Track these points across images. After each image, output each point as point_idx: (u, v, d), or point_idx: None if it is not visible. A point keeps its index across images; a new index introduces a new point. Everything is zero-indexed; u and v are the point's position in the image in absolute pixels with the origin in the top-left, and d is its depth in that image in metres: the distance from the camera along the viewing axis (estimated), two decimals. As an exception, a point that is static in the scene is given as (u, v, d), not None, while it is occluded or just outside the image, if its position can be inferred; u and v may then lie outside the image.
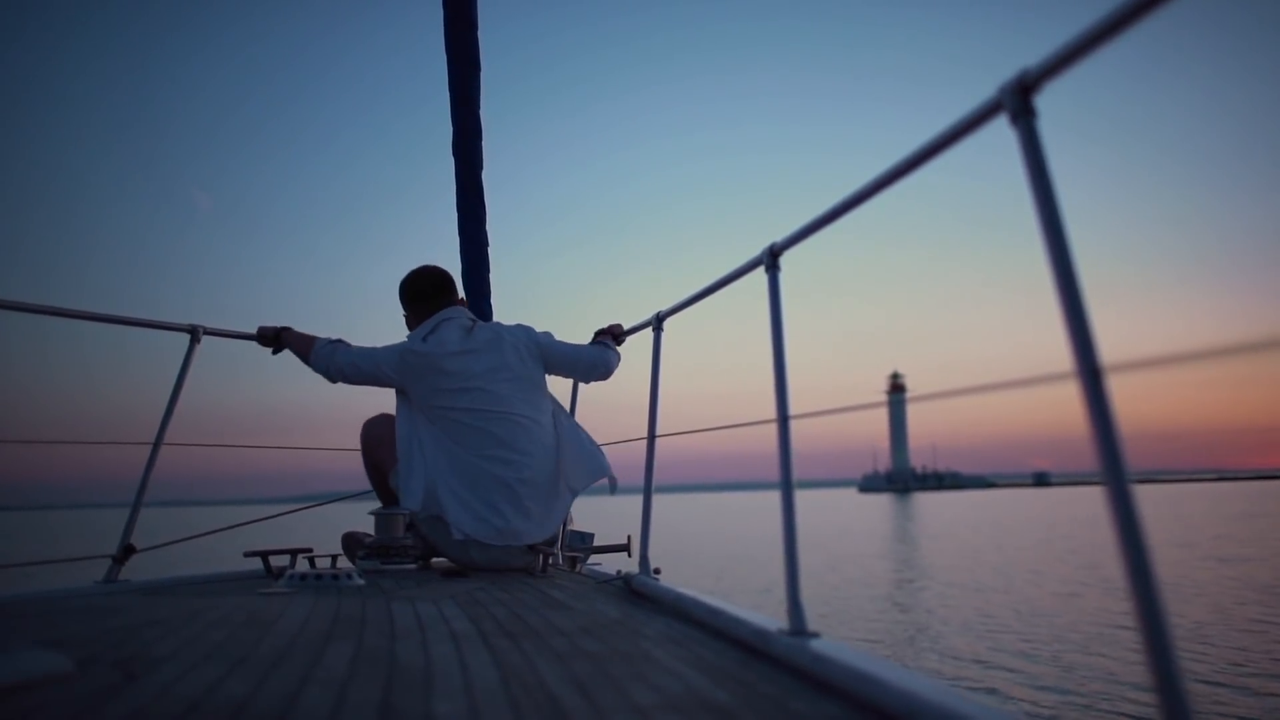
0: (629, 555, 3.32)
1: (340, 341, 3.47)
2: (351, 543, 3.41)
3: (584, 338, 3.61)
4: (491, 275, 4.07)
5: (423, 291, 3.52)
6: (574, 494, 3.41)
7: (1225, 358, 1.00)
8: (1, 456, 3.16)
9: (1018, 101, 1.12)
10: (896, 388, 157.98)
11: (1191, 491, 78.26)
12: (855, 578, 15.30)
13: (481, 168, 3.89)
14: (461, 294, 3.69)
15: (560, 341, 3.51)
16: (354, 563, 3.32)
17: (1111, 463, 0.97)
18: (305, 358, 3.46)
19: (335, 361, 3.40)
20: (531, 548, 3.19)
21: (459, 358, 3.31)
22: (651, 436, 2.80)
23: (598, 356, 3.55)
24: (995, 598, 12.35)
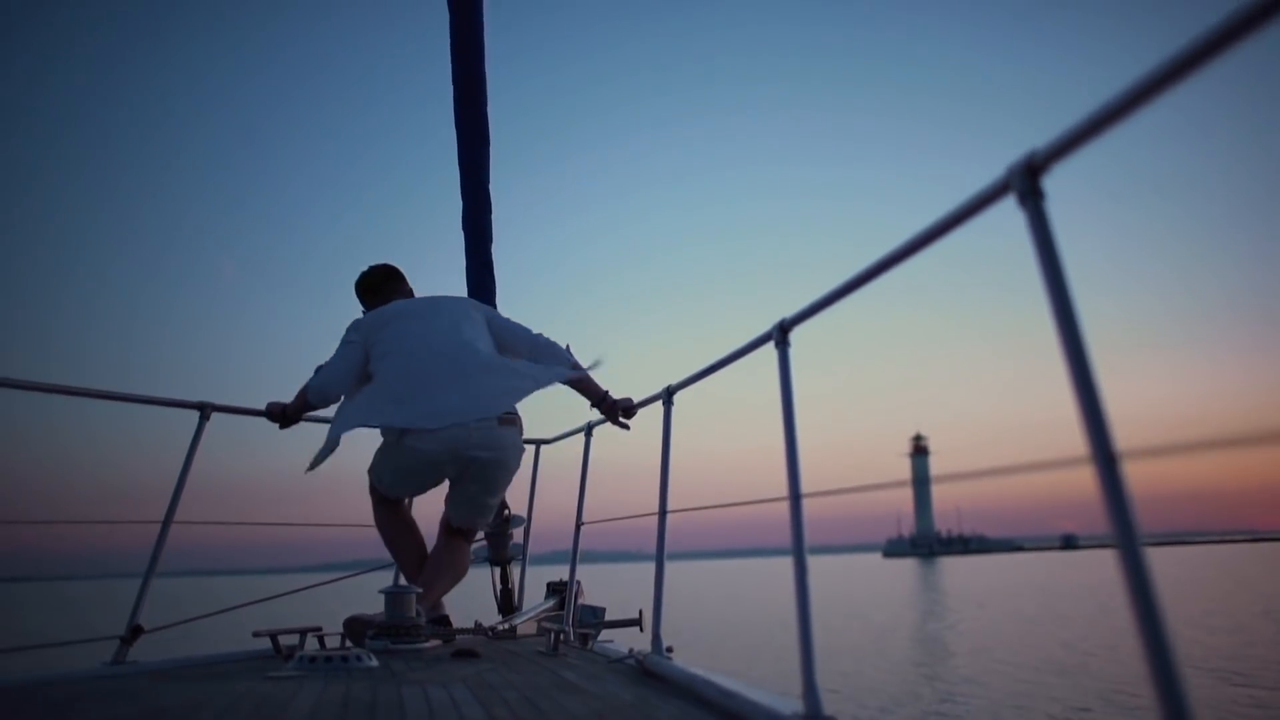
0: (641, 630, 3.28)
1: (318, 370, 3.59)
2: (357, 627, 3.29)
3: (592, 409, 3.61)
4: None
5: (372, 286, 3.80)
6: (532, 381, 3.40)
7: (1241, 448, 0.97)
8: (19, 530, 3.17)
9: (1025, 183, 1.11)
10: (919, 449, 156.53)
11: (1230, 554, 76.08)
12: (877, 650, 14.90)
13: (491, 241, 3.93)
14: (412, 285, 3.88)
15: (508, 320, 3.66)
16: (363, 645, 3.26)
17: (1128, 544, 0.94)
18: (307, 402, 3.55)
19: (325, 379, 3.50)
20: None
21: (400, 307, 3.57)
22: (663, 512, 2.76)
23: (544, 348, 3.56)
24: (1027, 673, 11.87)
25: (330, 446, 3.24)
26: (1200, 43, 0.82)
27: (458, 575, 3.65)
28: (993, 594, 30.11)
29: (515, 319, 3.67)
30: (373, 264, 3.86)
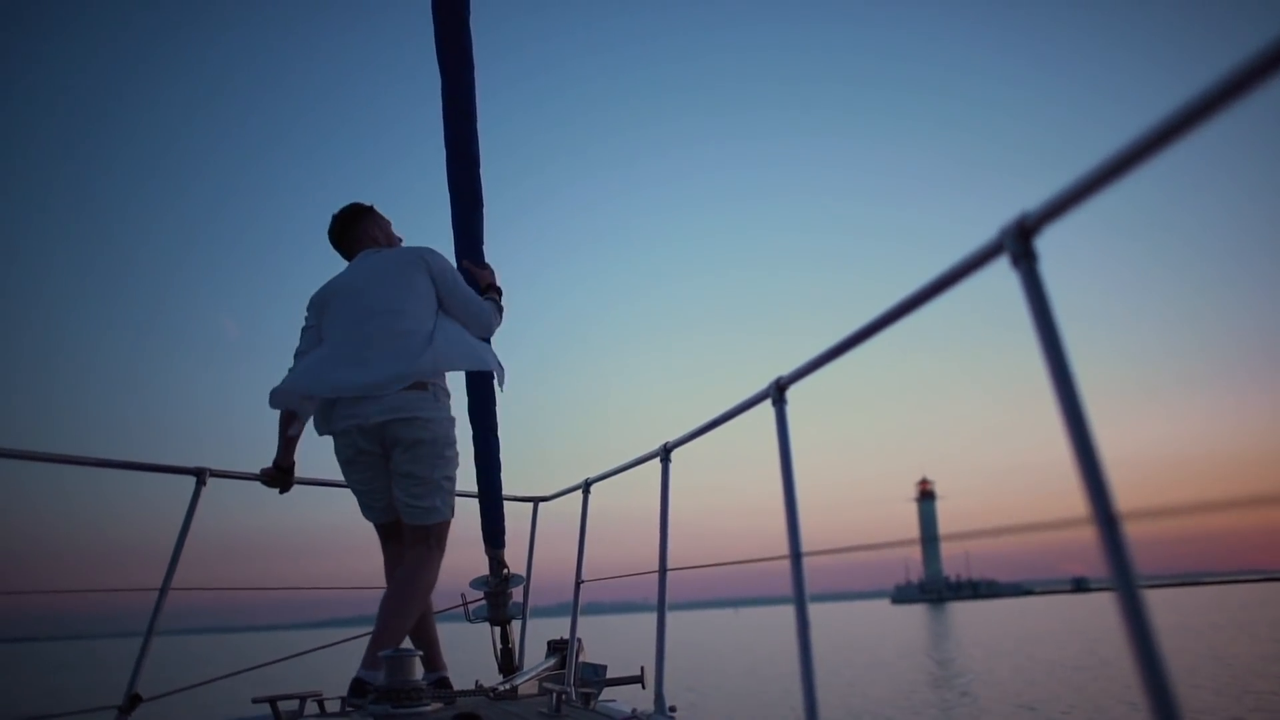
0: (643, 687, 3.24)
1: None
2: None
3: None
4: (498, 409, 4.04)
5: (334, 243, 3.62)
6: (431, 362, 3.25)
7: (1239, 510, 0.97)
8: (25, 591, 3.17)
9: (1018, 245, 1.11)
10: (926, 494, 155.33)
11: (1243, 594, 74.68)
12: (884, 702, 14.58)
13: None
14: (386, 229, 3.63)
15: (456, 279, 3.44)
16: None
17: (1129, 597, 0.94)
18: (287, 425, 3.44)
19: (291, 379, 3.34)
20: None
21: (341, 281, 3.43)
22: (663, 570, 2.74)
23: (481, 313, 3.47)
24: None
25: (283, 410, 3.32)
26: (1190, 106, 0.83)
27: (425, 589, 3.30)
28: (1021, 639, 29.46)
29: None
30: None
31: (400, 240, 3.67)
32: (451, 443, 3.36)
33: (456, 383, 3.90)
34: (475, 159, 3.89)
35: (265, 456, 3.54)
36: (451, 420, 3.37)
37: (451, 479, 3.38)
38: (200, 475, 3.32)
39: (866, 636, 36.83)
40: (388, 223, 3.68)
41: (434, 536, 3.34)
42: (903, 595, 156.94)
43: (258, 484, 3.51)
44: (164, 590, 3.11)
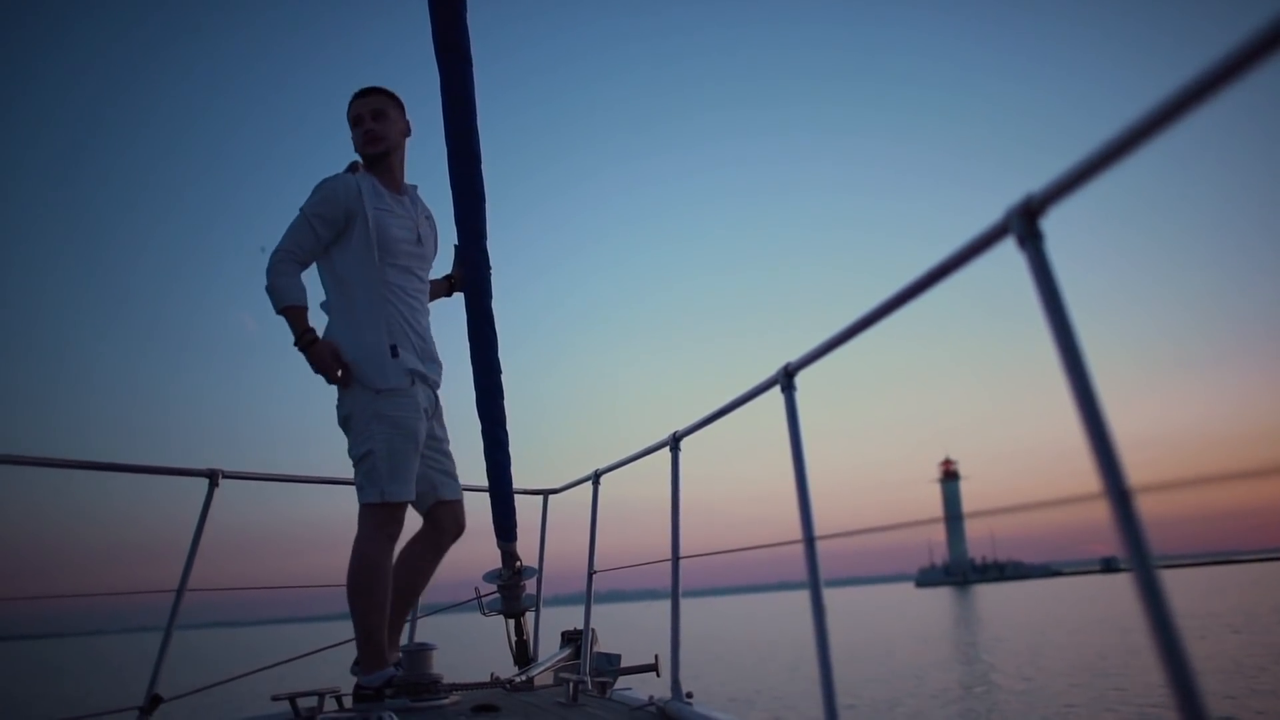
0: (657, 675, 3.25)
1: None
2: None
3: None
4: (506, 401, 4.03)
5: None
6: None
7: (1253, 479, 0.96)
8: (47, 589, 3.21)
9: (1024, 226, 1.11)
10: (950, 475, 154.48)
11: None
12: (910, 690, 14.44)
13: (491, 297, 3.87)
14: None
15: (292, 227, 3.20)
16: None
17: (1144, 572, 0.94)
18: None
19: None
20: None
21: None
22: (676, 558, 2.75)
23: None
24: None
25: None
26: (1192, 85, 0.82)
27: (354, 574, 3.02)
28: (1030, 622, 29.29)
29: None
30: None
31: (406, 127, 3.49)
32: (366, 420, 3.05)
33: (464, 376, 3.90)
34: (476, 153, 3.86)
35: (279, 455, 3.57)
36: (370, 395, 3.07)
37: (370, 454, 3.03)
38: (213, 477, 3.34)
39: (887, 620, 36.76)
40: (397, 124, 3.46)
41: (360, 518, 3.08)
42: (927, 578, 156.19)
43: (271, 483, 3.53)
44: (180, 591, 3.14)
